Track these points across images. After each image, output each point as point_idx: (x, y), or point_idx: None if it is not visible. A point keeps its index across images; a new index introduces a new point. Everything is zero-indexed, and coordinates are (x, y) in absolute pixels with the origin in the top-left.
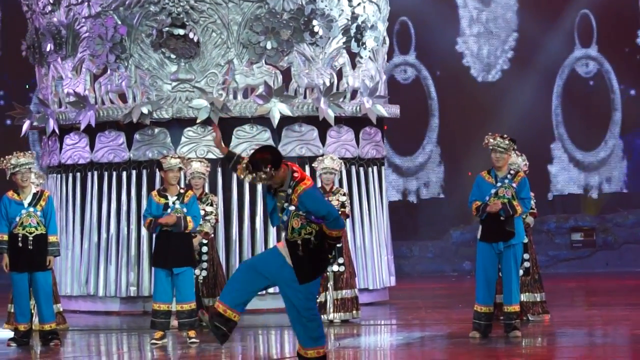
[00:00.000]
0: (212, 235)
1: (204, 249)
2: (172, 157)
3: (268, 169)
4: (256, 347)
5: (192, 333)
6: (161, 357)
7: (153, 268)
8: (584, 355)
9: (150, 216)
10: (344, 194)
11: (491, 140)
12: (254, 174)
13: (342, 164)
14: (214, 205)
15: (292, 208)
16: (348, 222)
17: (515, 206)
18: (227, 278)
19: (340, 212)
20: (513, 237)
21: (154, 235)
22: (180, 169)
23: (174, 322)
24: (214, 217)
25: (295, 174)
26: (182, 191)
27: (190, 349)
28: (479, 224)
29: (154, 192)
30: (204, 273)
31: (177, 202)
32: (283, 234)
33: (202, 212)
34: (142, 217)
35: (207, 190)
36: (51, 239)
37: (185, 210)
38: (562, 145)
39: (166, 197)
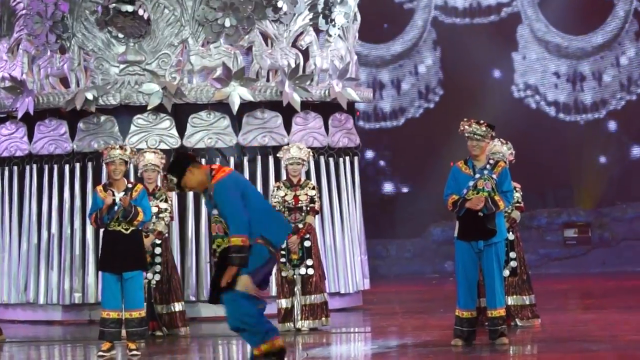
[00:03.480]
0: (167, 234)
1: (157, 250)
2: (112, 147)
3: (172, 178)
4: (215, 357)
5: (132, 345)
6: None
7: (100, 272)
8: None
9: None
10: (313, 188)
11: (466, 126)
12: (166, 184)
13: (310, 153)
14: (169, 202)
15: (215, 212)
16: (317, 219)
17: (497, 201)
18: (182, 282)
19: (309, 209)
20: (494, 235)
21: (100, 235)
22: (125, 162)
23: (124, 332)
24: (169, 214)
25: (213, 172)
26: (129, 186)
27: None
28: (456, 221)
29: (99, 187)
30: (157, 277)
31: (128, 197)
32: None
33: (156, 209)
34: (88, 216)
35: (159, 184)
36: None
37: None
38: None
39: (112, 193)
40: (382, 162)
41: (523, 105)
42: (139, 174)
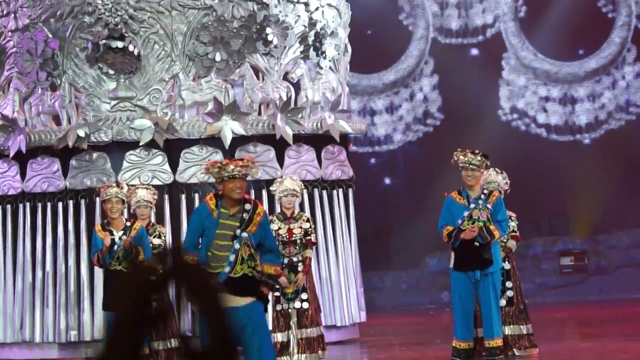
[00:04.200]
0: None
1: None
2: (109, 185)
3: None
4: None
5: None
6: None
7: (103, 312)
8: None
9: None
10: (308, 220)
11: (461, 157)
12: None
13: (302, 186)
14: (162, 238)
15: (245, 235)
16: (312, 251)
17: (492, 230)
18: (177, 317)
19: (306, 241)
20: (490, 265)
21: (101, 275)
22: (122, 200)
23: None
24: (162, 250)
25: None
26: (128, 224)
27: None
28: (451, 251)
29: (98, 227)
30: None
31: (124, 237)
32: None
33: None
34: (91, 257)
35: (153, 220)
36: None
37: None
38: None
39: (111, 232)
40: (377, 191)
41: (517, 131)
42: (132, 211)
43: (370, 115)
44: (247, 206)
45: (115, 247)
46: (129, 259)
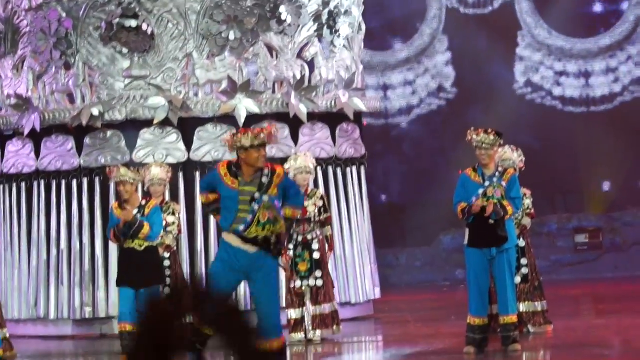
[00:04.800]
0: (175, 248)
1: (166, 263)
2: (117, 168)
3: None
4: None
5: None
6: None
7: (117, 287)
8: None
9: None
10: (322, 197)
11: (474, 136)
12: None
13: (316, 164)
14: (176, 215)
15: (266, 198)
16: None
17: (506, 206)
18: None
19: (325, 219)
20: (505, 242)
21: (116, 252)
22: (130, 182)
23: None
24: (177, 227)
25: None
26: (143, 203)
27: None
28: (466, 228)
29: (115, 204)
30: (167, 290)
31: (139, 215)
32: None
33: (163, 223)
34: (108, 231)
35: (167, 198)
36: None
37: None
38: None
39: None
40: (390, 170)
41: (533, 104)
42: (145, 189)
43: (384, 90)
44: (266, 171)
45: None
46: (132, 233)
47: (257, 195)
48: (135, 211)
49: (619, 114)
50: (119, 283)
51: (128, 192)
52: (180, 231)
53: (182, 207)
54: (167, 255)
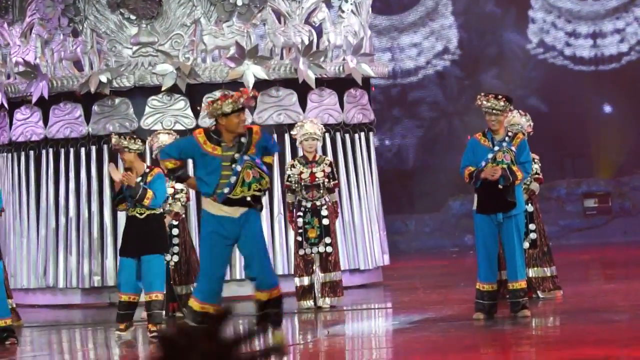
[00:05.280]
0: (183, 215)
1: (175, 231)
2: (118, 135)
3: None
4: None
5: (153, 327)
6: (130, 353)
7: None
8: (602, 335)
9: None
10: (330, 164)
11: (484, 102)
12: None
13: (323, 130)
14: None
15: (247, 158)
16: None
17: (515, 171)
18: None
19: (332, 185)
20: (514, 207)
21: (123, 220)
22: (134, 150)
23: (143, 314)
24: (185, 195)
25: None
26: (147, 170)
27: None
28: (474, 194)
29: (113, 171)
30: (176, 258)
31: (142, 183)
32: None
33: (172, 191)
34: (112, 202)
35: None
36: None
37: None
38: None
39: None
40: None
41: (544, 64)
42: (153, 156)
43: (391, 52)
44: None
45: (128, 191)
46: (137, 199)
47: (236, 156)
48: (138, 179)
49: (626, 73)
50: (120, 253)
51: (127, 160)
52: (188, 199)
53: (190, 174)
54: (175, 222)
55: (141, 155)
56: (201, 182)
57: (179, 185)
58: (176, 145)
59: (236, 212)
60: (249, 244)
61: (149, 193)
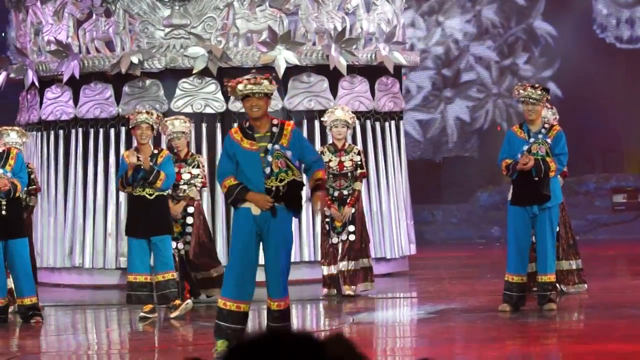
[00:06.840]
0: (199, 200)
1: (189, 219)
2: (139, 112)
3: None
4: (260, 323)
5: (170, 312)
6: (153, 333)
7: (127, 237)
8: (627, 330)
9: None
10: (359, 153)
11: (521, 91)
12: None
13: (354, 118)
14: (202, 167)
15: (277, 147)
16: (363, 183)
17: (549, 162)
18: (214, 245)
19: (359, 174)
20: (548, 200)
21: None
22: (151, 126)
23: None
24: (201, 180)
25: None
26: (155, 152)
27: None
28: (509, 185)
29: (126, 153)
30: (187, 247)
31: (150, 164)
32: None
33: (188, 176)
34: (116, 182)
35: (193, 150)
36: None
37: None
38: None
39: (138, 159)
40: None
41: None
42: (166, 144)
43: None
44: (275, 121)
45: (140, 174)
46: (149, 182)
47: (269, 146)
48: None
49: None
50: (127, 232)
51: (147, 137)
52: (204, 184)
53: (205, 160)
54: (191, 210)
55: (155, 139)
56: (242, 180)
57: (195, 170)
58: (221, 157)
59: (256, 209)
60: (270, 248)
61: (162, 175)
